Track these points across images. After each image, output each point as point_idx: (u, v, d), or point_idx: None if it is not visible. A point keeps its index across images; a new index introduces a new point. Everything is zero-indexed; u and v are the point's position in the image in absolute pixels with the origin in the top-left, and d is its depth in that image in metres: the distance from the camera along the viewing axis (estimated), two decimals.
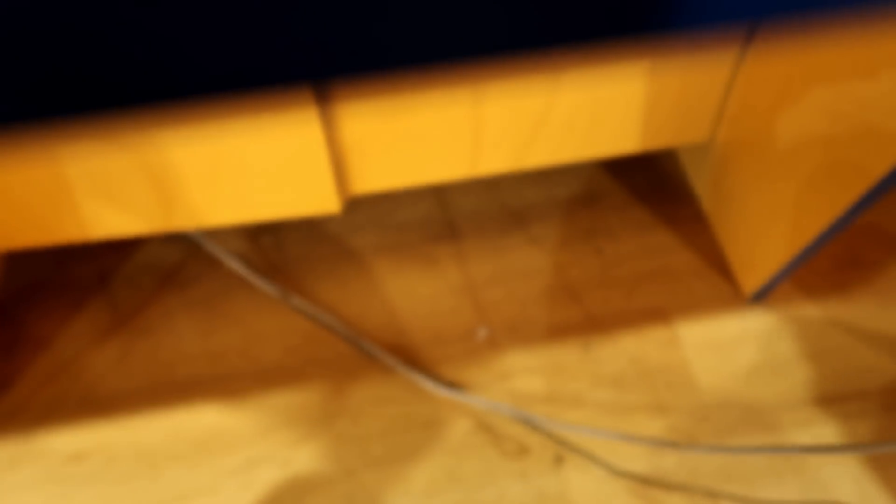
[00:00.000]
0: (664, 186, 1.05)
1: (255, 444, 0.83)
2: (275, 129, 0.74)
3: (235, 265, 0.95)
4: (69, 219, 0.80)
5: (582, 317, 0.93)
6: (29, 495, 0.79)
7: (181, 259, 0.97)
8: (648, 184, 1.05)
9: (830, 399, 0.86)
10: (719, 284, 0.95)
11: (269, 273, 0.96)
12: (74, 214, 0.80)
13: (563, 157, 0.91)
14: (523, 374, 0.88)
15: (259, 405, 0.85)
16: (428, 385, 0.85)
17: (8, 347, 0.89)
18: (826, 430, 0.84)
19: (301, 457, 0.82)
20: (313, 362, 0.89)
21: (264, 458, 0.82)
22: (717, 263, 0.97)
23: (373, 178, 0.86)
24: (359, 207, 1.02)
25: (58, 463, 0.81)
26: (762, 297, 0.93)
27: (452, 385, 0.87)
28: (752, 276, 0.91)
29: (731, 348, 0.90)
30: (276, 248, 0.98)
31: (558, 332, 0.91)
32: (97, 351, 0.89)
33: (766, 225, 0.86)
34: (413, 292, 0.95)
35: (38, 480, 0.80)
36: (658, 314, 0.93)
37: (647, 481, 0.80)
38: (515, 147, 0.87)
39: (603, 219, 1.02)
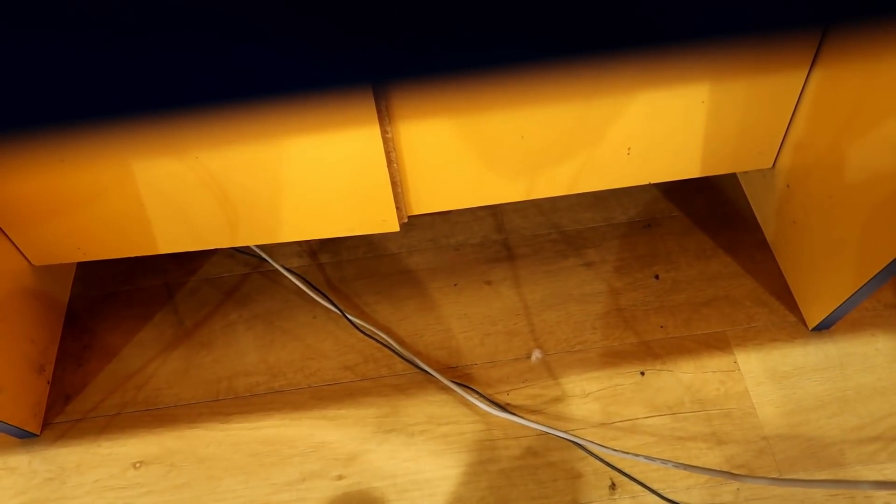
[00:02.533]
0: (725, 212, 1.03)
1: (310, 459, 0.84)
2: (337, 149, 0.76)
3: (295, 281, 0.97)
4: (141, 234, 0.84)
5: (638, 343, 0.91)
6: (93, 499, 0.82)
7: (244, 274, 1.00)
8: (709, 209, 1.04)
9: None
10: (782, 314, 0.93)
11: (328, 290, 0.98)
12: (146, 230, 0.83)
13: (620, 182, 0.91)
14: (578, 399, 0.87)
15: (315, 420, 0.87)
16: (481, 406, 0.85)
17: (78, 356, 0.93)
18: (893, 467, 0.80)
19: (354, 473, 0.83)
20: (369, 379, 0.90)
21: (318, 472, 0.83)
22: (780, 292, 0.95)
23: (431, 198, 0.87)
24: (416, 227, 1.04)
25: (121, 469, 0.84)
26: (826, 327, 0.91)
27: (506, 407, 0.87)
28: (816, 307, 0.89)
29: (793, 380, 0.87)
30: (335, 265, 1.00)
31: (614, 357, 0.90)
32: (161, 362, 0.92)
33: (832, 254, 0.83)
34: (468, 313, 0.95)
35: (102, 485, 0.83)
36: (717, 343, 0.91)
37: None
38: (572, 170, 0.87)
39: (661, 244, 1.01)
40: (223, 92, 0.27)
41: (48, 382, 0.90)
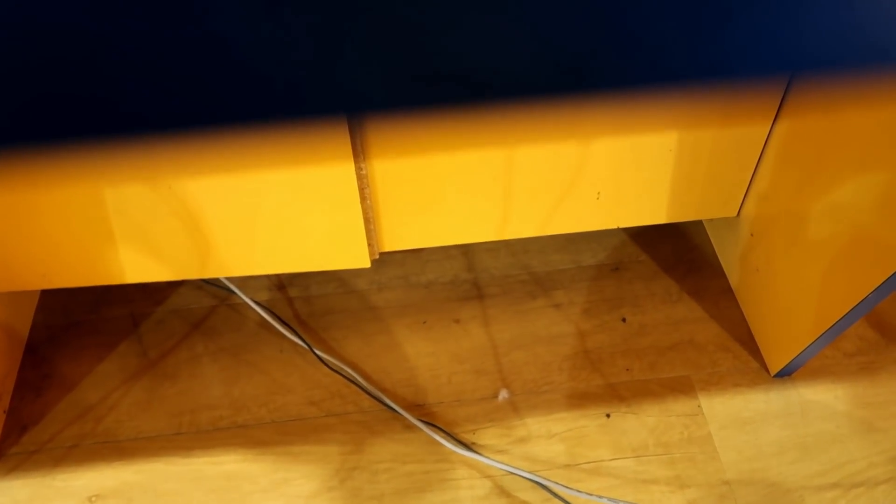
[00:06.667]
0: (692, 258, 1.05)
1: (272, 495, 0.83)
2: (311, 184, 0.77)
3: (263, 315, 0.96)
4: (108, 263, 0.83)
5: (604, 385, 0.92)
6: None
7: (211, 306, 0.99)
8: (676, 255, 1.06)
9: (856, 483, 0.84)
10: (745, 359, 0.94)
11: (296, 324, 0.97)
12: (113, 259, 0.82)
13: (590, 225, 0.92)
14: (543, 440, 0.87)
15: (278, 456, 0.86)
16: (447, 445, 0.85)
17: (37, 386, 0.91)
18: None
19: None
20: (334, 415, 0.89)
21: None
22: (743, 338, 0.96)
23: (403, 236, 0.88)
24: (387, 264, 1.04)
25: (76, 503, 0.82)
26: (788, 374, 0.92)
27: (471, 446, 0.86)
28: (779, 353, 0.90)
29: (756, 425, 0.88)
30: (304, 300, 1.00)
31: (580, 399, 0.91)
32: (123, 393, 0.90)
33: (794, 302, 0.85)
34: (436, 351, 0.95)
35: None
36: (681, 387, 0.92)
37: None
38: (543, 212, 0.89)
39: (628, 288, 1.02)
40: (198, 119, 0.27)
41: (4, 412, 0.88)
